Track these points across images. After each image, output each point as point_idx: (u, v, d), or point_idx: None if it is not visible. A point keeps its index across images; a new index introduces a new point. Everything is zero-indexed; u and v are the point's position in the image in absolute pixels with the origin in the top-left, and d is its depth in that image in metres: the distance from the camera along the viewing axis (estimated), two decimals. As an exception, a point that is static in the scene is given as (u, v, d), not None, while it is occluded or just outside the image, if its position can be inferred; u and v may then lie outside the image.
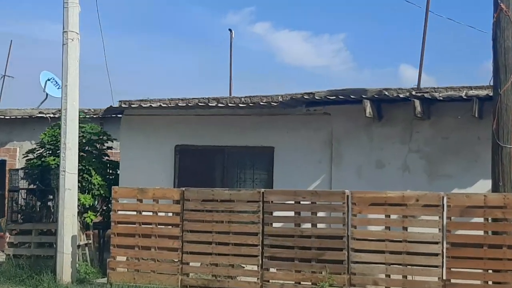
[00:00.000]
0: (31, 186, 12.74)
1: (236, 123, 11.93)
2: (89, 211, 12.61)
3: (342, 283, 9.05)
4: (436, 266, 8.73)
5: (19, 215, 12.68)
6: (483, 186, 9.79)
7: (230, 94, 18.91)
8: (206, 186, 10.54)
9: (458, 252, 8.70)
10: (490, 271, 8.66)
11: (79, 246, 12.11)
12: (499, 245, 8.54)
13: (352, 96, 10.38)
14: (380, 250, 9.17)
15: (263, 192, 9.86)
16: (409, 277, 8.86)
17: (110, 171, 13.32)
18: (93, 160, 12.90)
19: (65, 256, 11.12)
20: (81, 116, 12.69)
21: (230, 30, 20.33)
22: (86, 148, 13.05)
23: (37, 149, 13.23)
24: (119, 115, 13.03)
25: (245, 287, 9.62)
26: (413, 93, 10.19)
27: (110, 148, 13.63)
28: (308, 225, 9.63)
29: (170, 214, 10.43)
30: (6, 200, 12.93)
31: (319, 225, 9.59)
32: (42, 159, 12.88)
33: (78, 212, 11.76)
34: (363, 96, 10.29)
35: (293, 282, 9.41)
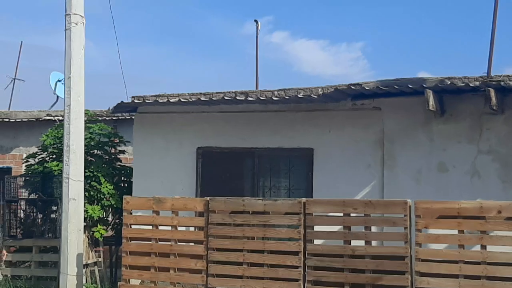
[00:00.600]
0: (32, 196, 11.25)
1: (268, 121, 10.40)
2: (98, 225, 11.12)
3: (404, 315, 7.46)
4: (526, 295, 7.08)
5: (18, 230, 11.18)
6: None
7: (256, 89, 17.33)
8: (233, 195, 9.04)
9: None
10: None
11: (86, 265, 10.65)
12: None
13: (410, 86, 8.76)
14: (452, 274, 7.59)
15: (304, 202, 8.31)
16: (490, 308, 7.22)
17: (123, 178, 11.83)
18: (103, 165, 11.42)
19: (69, 278, 9.71)
20: (89, 114, 11.22)
21: (256, 21, 18.87)
22: (95, 151, 11.59)
23: (39, 153, 11.78)
24: (133, 117, 11.53)
25: (284, 318, 8.05)
26: (486, 81, 8.53)
27: (123, 152, 12.16)
28: (361, 243, 8.02)
29: (192, 229, 8.95)
30: (1, 211, 11.46)
31: (375, 243, 7.99)
32: (44, 165, 11.40)
33: (85, 226, 10.32)
34: (425, 86, 8.66)
35: (343, 313, 7.83)
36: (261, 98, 9.74)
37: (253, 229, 8.50)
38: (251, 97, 9.85)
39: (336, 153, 10.04)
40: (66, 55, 10.12)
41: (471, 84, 8.71)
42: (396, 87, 9.00)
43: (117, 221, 11.85)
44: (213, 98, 9.95)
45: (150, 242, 8.97)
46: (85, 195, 10.32)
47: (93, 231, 11.14)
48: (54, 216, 11.11)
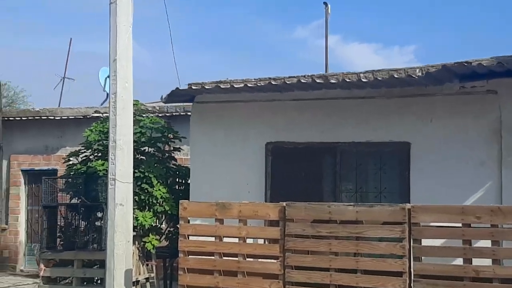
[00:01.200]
0: (74, 200, 9.82)
1: (353, 109, 8.77)
2: (150, 234, 9.61)
3: None
4: None
5: (57, 240, 9.74)
6: None
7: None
8: (309, 200, 7.37)
9: None
10: None
11: (137, 282, 9.23)
12: None
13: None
14: None
15: (410, 209, 6.63)
16: None
17: (178, 180, 10.29)
18: (155, 165, 9.93)
19: (115, 298, 8.18)
20: (137, 106, 9.73)
21: (325, 3, 17.16)
22: (146, 149, 10.05)
23: (82, 150, 10.35)
24: (189, 113, 10.05)
25: None
26: None
27: (178, 149, 10.61)
28: (487, 262, 6.26)
29: (263, 241, 7.50)
30: (41, 218, 10.05)
31: (506, 262, 6.21)
32: (88, 164, 9.96)
33: (135, 236, 8.86)
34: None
35: None
36: (347, 80, 8.03)
37: (342, 243, 6.92)
38: (333, 80, 8.16)
39: (440, 148, 8.32)
40: (111, 34, 8.72)
41: None
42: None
43: (171, 229, 10.35)
44: (287, 82, 8.30)
45: (213, 258, 7.45)
46: (134, 199, 8.86)
47: (144, 242, 9.66)
48: (99, 224, 9.65)
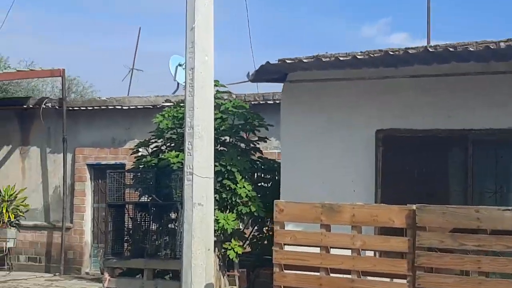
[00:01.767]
0: (143, 199, 8.36)
1: (490, 88, 6.90)
2: (232, 240, 8.04)
3: None
4: None
5: (124, 245, 8.29)
6: None
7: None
8: (433, 202, 5.64)
9: None
10: None
11: (217, 296, 7.61)
12: None
13: None
14: None
15: None
16: None
17: (264, 175, 8.68)
18: (238, 157, 8.32)
19: (193, 318, 6.75)
20: (218, 86, 8.22)
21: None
22: (227, 139, 8.50)
23: (153, 140, 8.87)
24: (277, 101, 8.45)
25: None
26: None
27: (264, 139, 9.02)
28: None
29: (379, 254, 5.90)
30: (106, 219, 8.64)
31: None
32: (160, 156, 8.48)
33: (215, 242, 7.31)
34: None
35: None
36: (491, 47, 6.23)
37: (496, 260, 5.16)
38: (471, 48, 6.39)
39: None
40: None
41: None
42: None
43: (255, 233, 8.77)
44: (409, 52, 6.57)
45: (318, 274, 5.84)
46: (214, 198, 7.29)
47: (225, 249, 8.11)
48: (172, 227, 8.14)
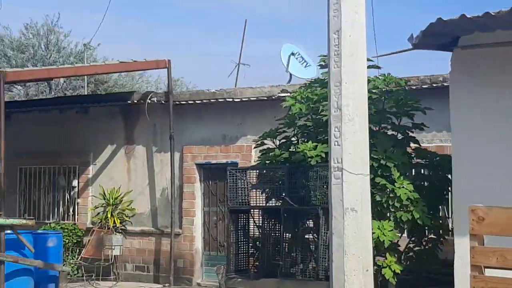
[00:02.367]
0: (272, 202, 6.47)
1: None
2: (387, 254, 6.02)
3: None
4: None
5: (250, 260, 6.41)
6: None
7: None
8: None
9: None
10: None
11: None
12: None
13: None
14: None
15: None
16: None
17: (423, 172, 6.60)
18: (392, 149, 6.26)
19: None
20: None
21: None
22: (379, 126, 6.49)
23: (280, 129, 6.98)
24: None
25: None
26: None
27: (421, 126, 6.91)
28: None
29: None
30: (227, 228, 6.81)
31: None
32: (291, 149, 6.56)
33: (367, 258, 5.31)
34: None
35: None
36: None
37: None
38: None
39: None
40: None
41: None
42: None
43: (411, 245, 6.72)
44: None
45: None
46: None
47: (379, 266, 6.09)
48: (312, 238, 6.21)
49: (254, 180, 6.70)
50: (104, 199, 12.19)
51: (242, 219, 6.62)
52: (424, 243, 6.71)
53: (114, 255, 11.82)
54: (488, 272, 4.17)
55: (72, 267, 11.91)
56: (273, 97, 11.14)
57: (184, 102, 11.91)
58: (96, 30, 16.49)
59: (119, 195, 12.22)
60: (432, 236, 6.70)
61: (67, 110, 13.04)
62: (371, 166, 6.09)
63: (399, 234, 6.54)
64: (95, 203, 12.57)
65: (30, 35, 23.21)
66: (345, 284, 5.08)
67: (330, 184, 5.29)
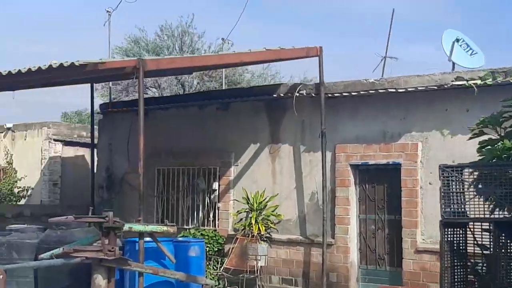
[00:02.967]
0: (498, 214, 4.57)
1: None
2: None
3: None
4: None
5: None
6: None
7: None
8: None
9: None
10: None
11: None
12: None
13: None
14: None
15: None
16: None
17: None
18: None
19: None
20: None
21: None
22: None
23: (506, 115, 5.06)
24: None
25: None
26: None
27: None
28: None
29: None
30: (441, 247, 4.97)
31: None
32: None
33: None
34: None
35: None
36: None
37: None
38: None
39: None
40: None
41: None
42: None
43: None
44: None
45: None
46: None
47: None
48: None
49: (474, 182, 4.86)
50: (248, 203, 10.70)
51: (457, 235, 4.79)
52: None
53: (260, 266, 10.29)
54: None
55: (212, 277, 10.50)
56: (445, 86, 9.21)
57: (337, 94, 10.17)
58: (232, 27, 15.30)
59: (264, 200, 10.70)
60: None
61: (207, 106, 11.69)
62: None
63: None
64: (237, 208, 11.13)
65: (165, 36, 22.44)
66: None
67: None
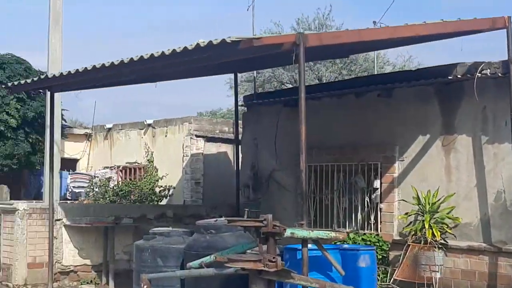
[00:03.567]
0: None
1: None
2: None
3: None
4: None
5: None
6: None
7: None
8: None
9: None
10: None
11: None
12: None
13: None
14: None
15: None
16: None
17: None
18: None
19: None
20: None
21: None
22: None
23: None
24: None
25: None
26: None
27: None
28: None
29: None
30: None
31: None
32: None
33: None
34: None
35: None
36: None
37: None
38: None
39: None
40: None
41: None
42: None
43: None
44: None
45: None
46: None
47: None
48: None
49: None
50: (419, 204, 8.95)
51: None
52: None
53: (438, 278, 8.51)
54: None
55: (380, 291, 8.85)
56: None
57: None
58: (385, 10, 13.45)
59: (437, 201, 8.89)
60: None
61: (366, 93, 10.03)
62: None
63: None
64: (403, 209, 9.40)
65: (302, 30, 21.14)
66: None
67: None
